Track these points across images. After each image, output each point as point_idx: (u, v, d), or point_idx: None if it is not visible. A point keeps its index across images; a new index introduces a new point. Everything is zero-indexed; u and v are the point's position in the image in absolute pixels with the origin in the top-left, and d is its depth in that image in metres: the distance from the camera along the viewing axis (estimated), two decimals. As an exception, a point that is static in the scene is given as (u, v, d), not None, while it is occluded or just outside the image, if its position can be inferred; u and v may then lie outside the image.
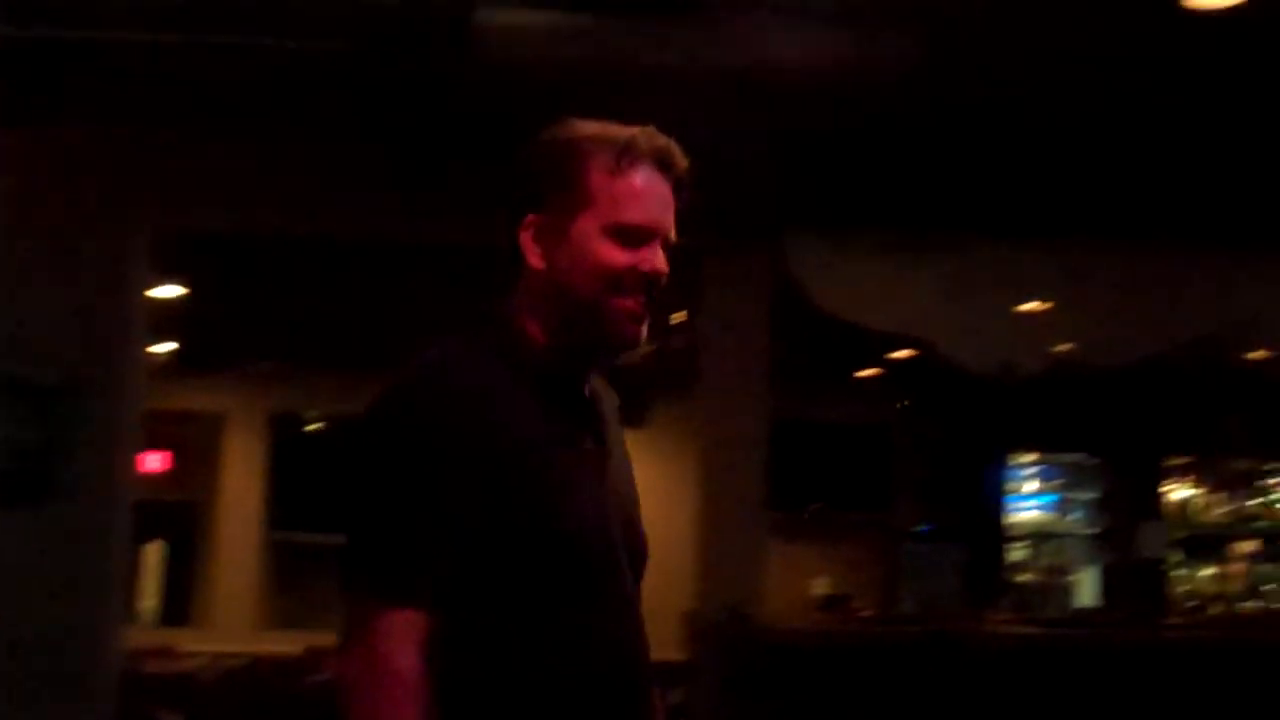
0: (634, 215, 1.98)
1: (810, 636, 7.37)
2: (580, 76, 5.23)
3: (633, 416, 11.27)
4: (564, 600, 1.90)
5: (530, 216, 2.02)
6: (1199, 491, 11.06)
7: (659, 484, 11.17)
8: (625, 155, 1.99)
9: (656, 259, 1.99)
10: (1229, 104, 5.66)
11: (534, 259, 2.01)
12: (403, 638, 1.80)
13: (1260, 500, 11.03)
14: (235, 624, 10.91)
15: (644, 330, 2.01)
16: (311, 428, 12.39)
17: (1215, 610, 10.08)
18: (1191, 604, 10.30)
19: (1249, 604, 10.27)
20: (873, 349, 8.88)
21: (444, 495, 1.85)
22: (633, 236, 1.98)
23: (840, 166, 6.19)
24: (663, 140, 2.03)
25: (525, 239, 2.01)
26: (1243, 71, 5.34)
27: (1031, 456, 11.02)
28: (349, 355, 10.24)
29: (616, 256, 1.97)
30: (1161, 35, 5.01)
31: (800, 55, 4.95)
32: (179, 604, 11.48)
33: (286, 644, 9.03)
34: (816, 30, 4.84)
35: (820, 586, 10.32)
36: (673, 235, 2.04)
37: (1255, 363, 8.65)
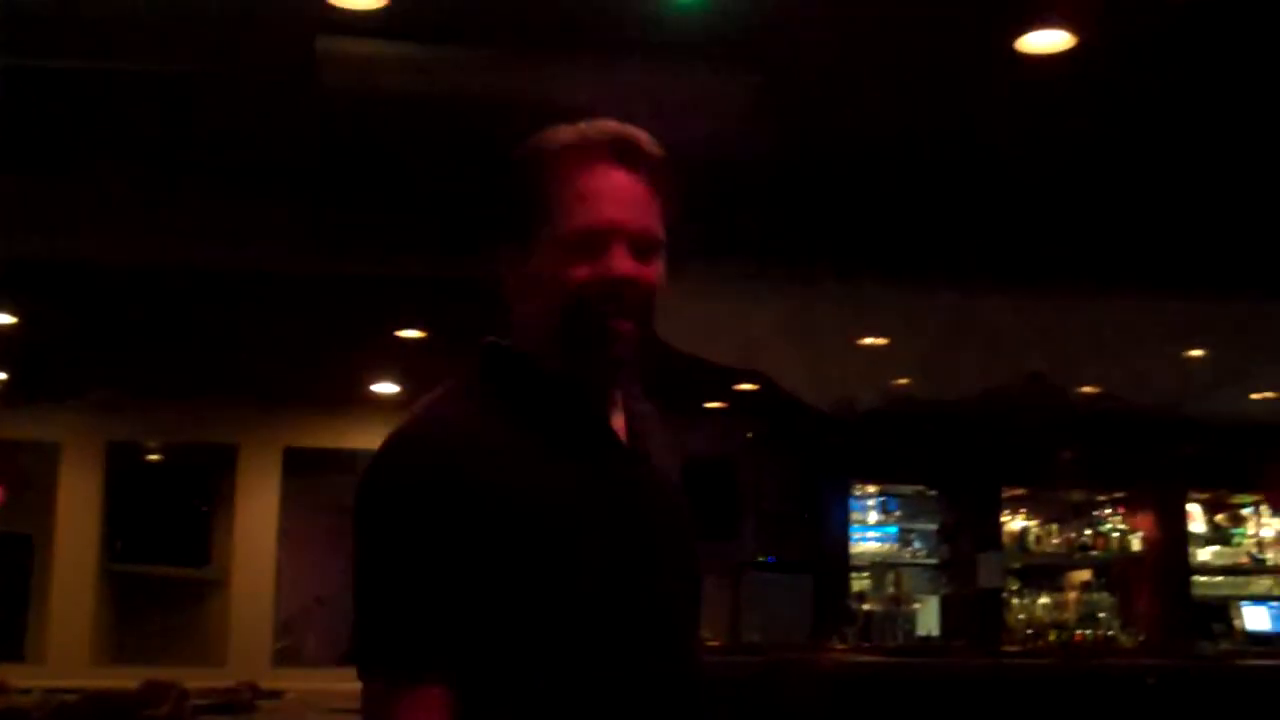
0: (587, 219, 1.76)
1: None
2: (425, 107, 5.23)
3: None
4: (594, 653, 1.72)
5: (502, 247, 1.85)
6: (1035, 522, 11.33)
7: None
8: (571, 157, 1.80)
9: (618, 263, 1.77)
10: (1061, 146, 5.82)
11: (508, 292, 1.85)
12: (427, 717, 1.65)
13: (1093, 530, 11.34)
14: (70, 658, 10.60)
15: (629, 344, 1.80)
16: (151, 457, 12.15)
17: (1051, 638, 10.31)
18: (1028, 632, 10.52)
19: (1083, 631, 10.52)
20: (718, 382, 8.95)
21: (450, 562, 1.67)
22: (590, 243, 1.77)
23: (683, 201, 6.24)
24: (617, 129, 1.82)
25: (501, 272, 1.85)
26: (1073, 113, 5.50)
27: (873, 488, 11.20)
28: (186, 383, 10.09)
29: (576, 270, 1.76)
30: (996, 77, 5.13)
31: (642, 91, 4.98)
32: (13, 639, 11.14)
33: (124, 678, 8.81)
34: (659, 66, 4.87)
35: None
36: (651, 231, 1.82)
37: (1087, 398, 8.90)
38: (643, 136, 1.84)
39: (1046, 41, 4.80)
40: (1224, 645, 10.18)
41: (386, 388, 10.53)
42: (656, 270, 1.82)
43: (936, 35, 4.81)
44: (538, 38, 4.85)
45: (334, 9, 4.57)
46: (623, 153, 1.81)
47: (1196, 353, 8.46)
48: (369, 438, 9.18)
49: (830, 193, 6.12)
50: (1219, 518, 11.86)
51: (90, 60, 4.85)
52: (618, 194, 1.79)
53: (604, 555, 1.74)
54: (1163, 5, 4.58)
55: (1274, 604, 11.33)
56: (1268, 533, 11.77)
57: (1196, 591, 11.41)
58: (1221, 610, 11.25)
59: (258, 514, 11.14)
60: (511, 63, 4.88)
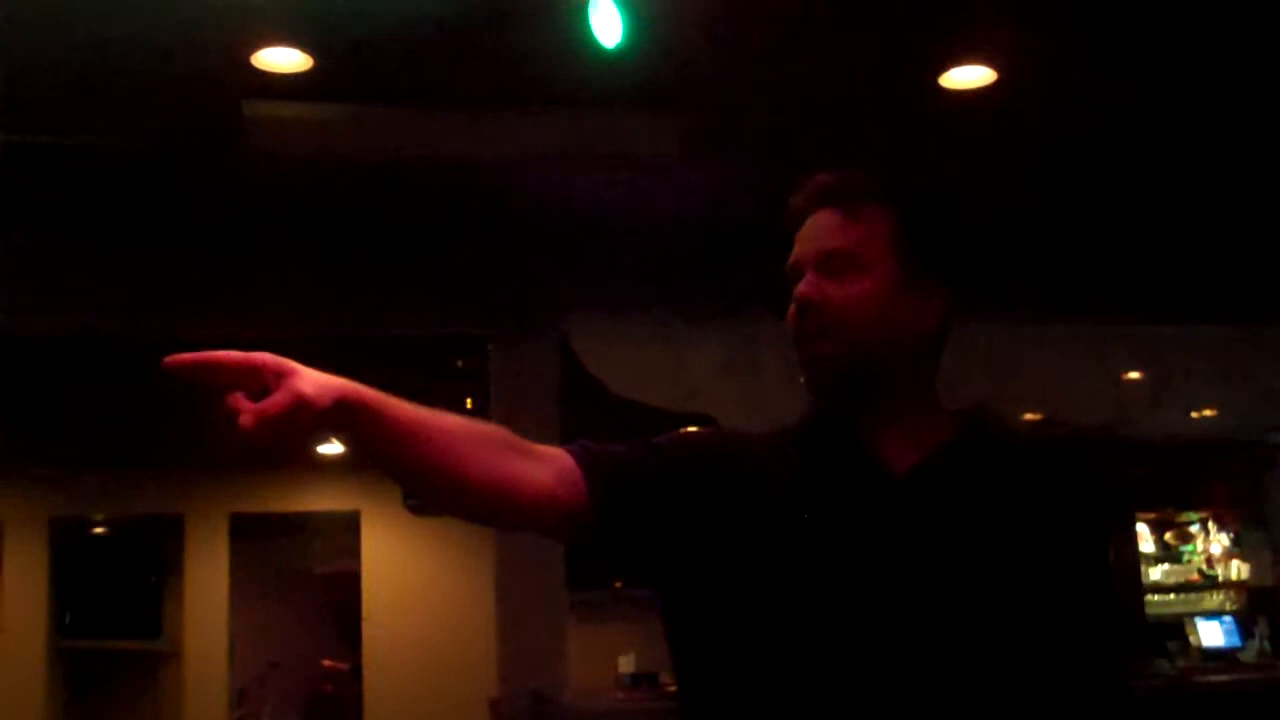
0: (789, 263, 1.87)
1: (617, 716, 7.33)
2: (354, 166, 5.23)
3: (430, 505, 11.24)
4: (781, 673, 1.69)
5: None
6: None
7: (458, 569, 11.18)
8: (790, 223, 1.91)
9: (800, 286, 1.82)
10: (991, 177, 5.89)
11: None
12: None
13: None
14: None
15: (825, 363, 1.79)
16: (96, 530, 12.02)
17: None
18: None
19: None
20: (664, 427, 8.94)
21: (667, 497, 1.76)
22: (794, 281, 1.85)
23: (620, 249, 6.27)
24: (819, 179, 1.89)
25: None
26: (994, 146, 5.57)
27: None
28: (128, 455, 10.00)
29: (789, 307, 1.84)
30: (921, 112, 5.19)
31: (571, 142, 5.00)
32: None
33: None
34: (587, 118, 4.90)
35: (625, 665, 10.30)
36: (836, 248, 1.82)
37: (1030, 425, 8.96)
38: (834, 175, 1.89)
39: (970, 77, 4.88)
40: (1181, 663, 10.23)
41: (331, 449, 10.49)
42: (858, 287, 1.80)
43: (861, 73, 4.86)
44: (465, 94, 4.86)
45: (260, 72, 4.57)
46: (826, 196, 1.86)
47: (1134, 375, 8.55)
48: (315, 499, 9.13)
49: (765, 233, 6.14)
50: (1168, 536, 11.96)
51: (13, 132, 4.82)
52: (816, 230, 1.85)
53: (807, 578, 1.70)
54: (1080, 40, 4.66)
55: (1227, 619, 11.42)
56: (1216, 549, 11.88)
57: (1150, 611, 11.48)
58: (1176, 628, 11.32)
59: (207, 582, 11.05)
60: (440, 121, 4.89)
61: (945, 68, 4.80)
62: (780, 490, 1.76)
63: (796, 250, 1.86)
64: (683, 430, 1.90)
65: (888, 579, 1.69)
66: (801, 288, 1.81)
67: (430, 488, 1.68)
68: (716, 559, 1.73)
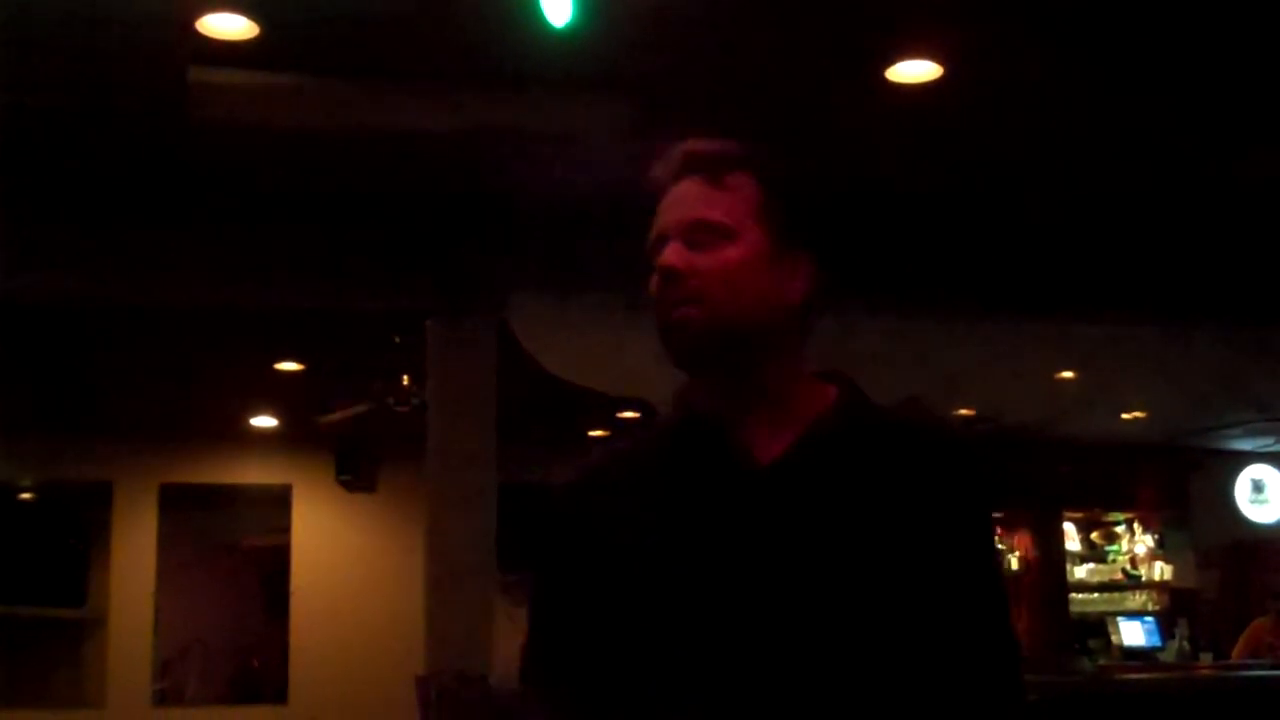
0: (653, 235, 1.77)
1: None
2: (299, 137, 5.20)
3: (362, 481, 11.20)
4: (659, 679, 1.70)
5: None
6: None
7: (389, 547, 11.15)
8: (653, 192, 1.81)
9: (665, 256, 1.73)
10: (932, 172, 5.93)
11: None
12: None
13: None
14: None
15: (686, 331, 1.71)
16: (23, 496, 11.89)
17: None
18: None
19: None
20: (602, 410, 8.96)
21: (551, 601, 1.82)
22: (656, 253, 1.75)
23: (563, 231, 6.26)
24: (685, 148, 1.80)
25: None
26: (944, 140, 5.61)
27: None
28: (59, 420, 9.89)
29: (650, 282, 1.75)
30: (867, 105, 5.23)
31: (517, 121, 5.00)
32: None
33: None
34: (534, 96, 4.89)
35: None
36: (703, 218, 1.74)
37: (962, 420, 9.05)
38: (702, 142, 1.80)
39: (915, 71, 4.91)
40: (1101, 661, 10.36)
41: (264, 421, 10.42)
42: (723, 256, 1.72)
43: (809, 64, 4.89)
44: (410, 68, 4.85)
45: (206, 39, 4.54)
46: (692, 164, 1.78)
47: (1067, 374, 8.65)
48: (246, 471, 9.04)
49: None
50: (1094, 535, 12.12)
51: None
52: (681, 200, 1.76)
53: (662, 579, 1.70)
54: (1024, 37, 4.71)
55: (1148, 619, 11.58)
56: (1140, 549, 12.04)
57: (1074, 609, 11.63)
58: (1099, 626, 11.47)
59: (135, 552, 10.95)
60: (382, 93, 4.87)
61: (892, 62, 4.84)
62: (643, 506, 1.74)
63: (661, 220, 1.77)
64: (553, 501, 1.84)
65: (738, 576, 1.67)
66: (667, 255, 1.72)
67: None
68: (597, 589, 1.74)
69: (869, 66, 4.89)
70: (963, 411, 8.83)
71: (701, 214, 1.73)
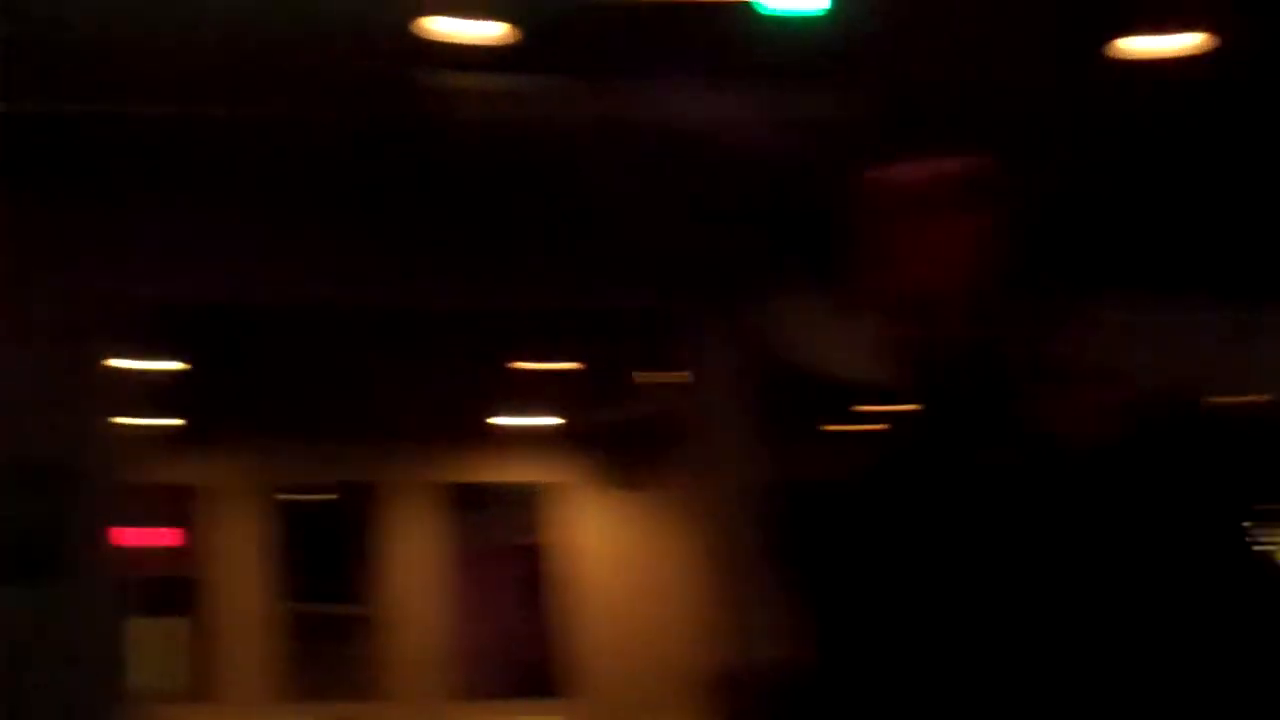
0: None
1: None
2: (536, 137, 5.25)
3: (634, 479, 11.27)
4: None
5: None
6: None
7: (662, 546, 11.18)
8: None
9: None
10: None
11: None
12: None
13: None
14: (251, 697, 10.82)
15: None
16: (316, 497, 12.31)
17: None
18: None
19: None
20: (859, 402, 8.82)
21: None
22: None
23: (825, 225, 6.19)
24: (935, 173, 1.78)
25: None
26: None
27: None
28: (343, 424, 10.23)
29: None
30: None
31: (776, 112, 4.98)
32: (200, 679, 11.35)
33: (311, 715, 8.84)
34: (767, 85, 4.87)
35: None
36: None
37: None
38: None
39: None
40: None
41: (537, 420, 10.62)
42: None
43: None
44: (645, 64, 4.85)
45: (450, 44, 4.63)
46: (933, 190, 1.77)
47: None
48: (520, 470, 9.14)
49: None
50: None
51: (218, 106, 4.96)
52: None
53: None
54: None
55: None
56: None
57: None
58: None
59: (415, 550, 11.26)
60: (641, 91, 4.89)
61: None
62: (939, 501, 1.74)
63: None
64: (846, 496, 1.85)
65: (1044, 570, 1.67)
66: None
67: None
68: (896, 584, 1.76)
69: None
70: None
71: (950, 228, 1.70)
